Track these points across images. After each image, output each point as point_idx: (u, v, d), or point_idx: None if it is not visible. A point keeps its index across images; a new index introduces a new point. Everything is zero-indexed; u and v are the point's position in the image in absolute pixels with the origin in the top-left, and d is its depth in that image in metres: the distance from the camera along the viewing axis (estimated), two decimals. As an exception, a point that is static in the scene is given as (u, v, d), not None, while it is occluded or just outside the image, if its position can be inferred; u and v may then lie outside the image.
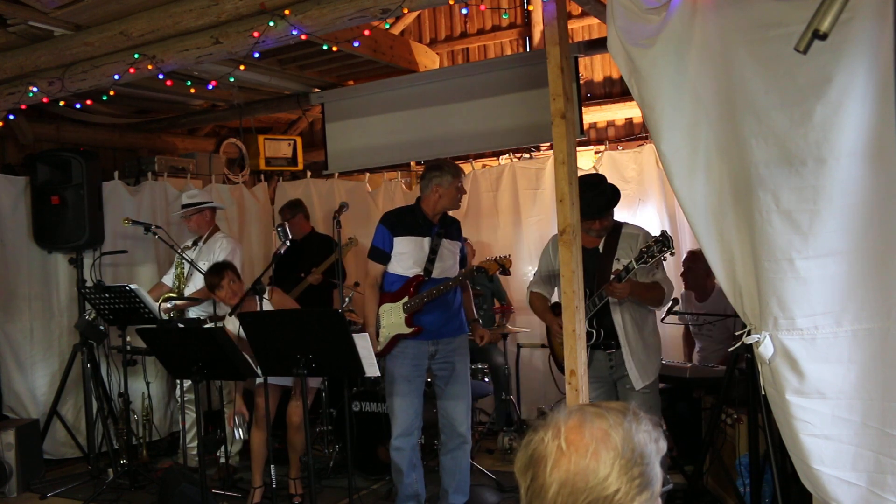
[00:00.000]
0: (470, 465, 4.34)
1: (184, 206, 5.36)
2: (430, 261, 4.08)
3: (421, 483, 4.18)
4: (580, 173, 3.62)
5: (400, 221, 4.12)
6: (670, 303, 4.05)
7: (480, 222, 6.42)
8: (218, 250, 5.31)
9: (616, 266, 3.72)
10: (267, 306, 4.44)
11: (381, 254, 4.15)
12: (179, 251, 5.35)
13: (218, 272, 4.58)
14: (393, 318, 4.07)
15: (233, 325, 4.32)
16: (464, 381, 4.13)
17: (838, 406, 2.52)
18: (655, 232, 3.75)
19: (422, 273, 4.06)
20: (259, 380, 4.44)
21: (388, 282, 4.16)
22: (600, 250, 3.83)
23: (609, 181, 3.92)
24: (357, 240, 5.63)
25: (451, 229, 4.19)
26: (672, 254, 3.47)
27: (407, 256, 4.10)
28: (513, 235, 6.26)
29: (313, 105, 6.17)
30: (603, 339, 3.79)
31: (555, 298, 3.98)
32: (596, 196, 3.75)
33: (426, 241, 4.08)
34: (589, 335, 3.75)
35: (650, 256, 3.49)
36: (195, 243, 5.41)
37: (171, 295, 5.22)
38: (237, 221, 6.68)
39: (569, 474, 1.19)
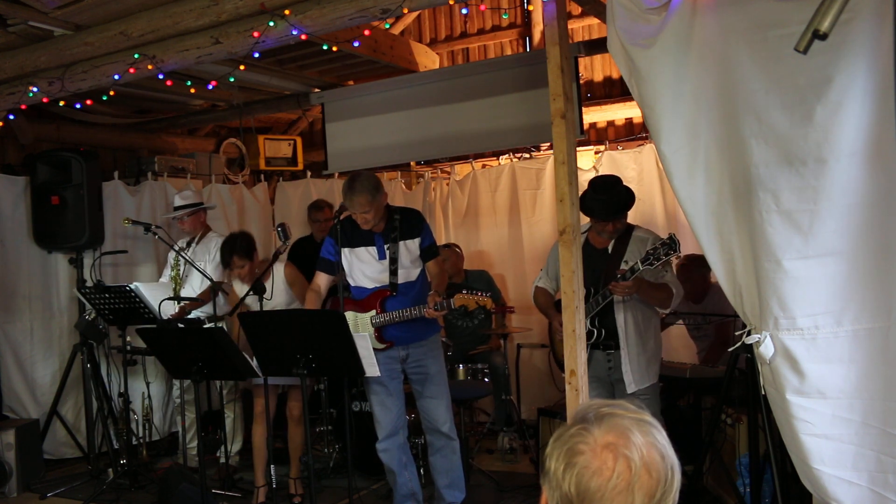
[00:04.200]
0: (465, 463, 4.32)
1: (177, 208, 5.36)
2: (393, 272, 3.98)
3: (415, 481, 4.17)
4: (582, 174, 3.63)
5: (344, 232, 4.03)
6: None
7: (480, 222, 6.42)
8: (214, 250, 5.31)
9: (623, 268, 3.72)
10: (280, 277, 4.64)
11: (325, 263, 4.11)
12: (178, 251, 5.35)
13: (228, 255, 4.61)
14: (359, 328, 4.01)
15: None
16: (439, 381, 4.07)
17: (839, 406, 2.52)
18: (663, 234, 3.76)
19: (388, 288, 4.00)
20: (258, 379, 4.44)
21: (354, 291, 4.12)
22: (609, 251, 3.83)
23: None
24: None
25: (405, 228, 4.00)
26: (678, 257, 3.45)
27: (354, 268, 4.05)
28: (512, 235, 6.26)
29: (313, 105, 6.17)
30: (603, 339, 3.79)
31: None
32: (611, 197, 3.78)
33: (372, 249, 4.01)
34: (589, 334, 3.76)
35: (656, 259, 3.47)
36: (188, 244, 5.41)
37: (169, 296, 5.21)
38: (237, 221, 6.68)
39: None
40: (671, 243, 3.46)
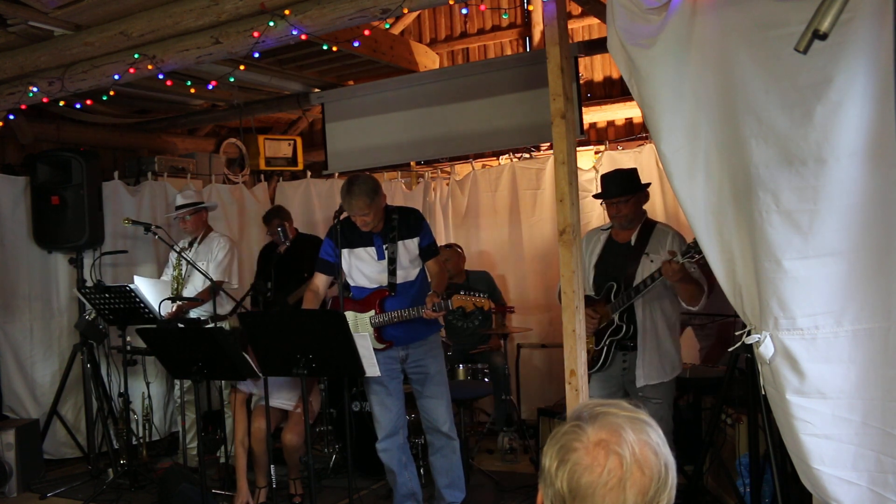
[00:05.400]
0: (465, 463, 4.32)
1: (179, 207, 5.36)
2: (392, 272, 3.98)
3: (415, 481, 4.17)
4: (582, 174, 3.64)
5: (343, 233, 4.02)
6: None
7: (480, 222, 6.42)
8: (216, 249, 5.31)
9: (646, 261, 3.73)
10: None
11: (324, 264, 4.10)
12: (179, 251, 5.35)
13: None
14: (359, 328, 4.00)
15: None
16: (439, 381, 4.07)
17: (839, 406, 2.52)
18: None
19: (386, 288, 4.00)
20: (259, 401, 4.43)
21: (353, 291, 4.13)
22: (632, 244, 3.83)
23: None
24: None
25: (404, 227, 4.00)
26: None
27: (353, 269, 4.05)
28: (512, 235, 6.26)
29: (313, 105, 6.17)
30: (630, 336, 3.76)
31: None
32: (616, 175, 3.91)
33: (371, 250, 4.01)
34: (617, 329, 3.76)
35: (697, 252, 3.34)
36: (191, 244, 5.41)
37: (170, 296, 5.22)
38: (237, 221, 6.68)
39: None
40: None
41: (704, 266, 3.40)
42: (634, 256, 3.78)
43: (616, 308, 3.75)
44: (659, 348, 3.76)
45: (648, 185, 3.97)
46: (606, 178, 3.97)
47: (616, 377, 3.85)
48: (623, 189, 3.84)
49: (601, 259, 3.91)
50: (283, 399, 4.62)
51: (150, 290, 5.09)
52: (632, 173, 3.96)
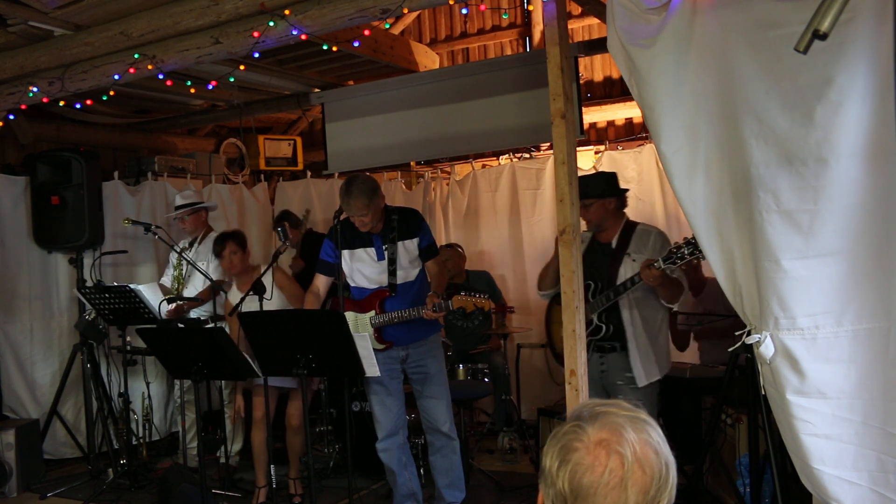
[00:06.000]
0: (465, 463, 4.32)
1: (178, 208, 5.36)
2: (392, 273, 3.98)
3: (415, 481, 4.17)
4: (580, 173, 3.63)
5: (343, 234, 4.02)
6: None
7: (480, 222, 6.42)
8: None
9: (628, 261, 3.72)
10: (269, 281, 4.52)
11: (324, 265, 4.11)
12: (180, 252, 5.35)
13: (221, 242, 4.74)
14: (359, 329, 4.01)
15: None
16: (439, 382, 4.07)
17: (839, 406, 2.52)
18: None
19: (387, 288, 4.00)
20: (258, 380, 4.44)
21: (354, 292, 4.13)
22: (613, 246, 3.83)
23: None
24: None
25: (403, 228, 4.01)
26: (702, 257, 3.34)
27: (353, 270, 4.06)
28: (512, 235, 6.26)
29: (313, 105, 6.17)
30: (610, 336, 3.74)
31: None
32: (584, 179, 3.82)
33: (370, 251, 4.02)
34: (597, 329, 3.75)
35: (679, 258, 3.36)
36: (191, 244, 5.41)
37: (170, 296, 5.22)
38: (237, 221, 6.68)
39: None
40: (697, 244, 3.37)
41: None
42: (616, 257, 3.77)
43: (595, 308, 3.73)
44: (653, 346, 3.74)
45: (625, 191, 3.92)
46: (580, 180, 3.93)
47: (595, 380, 3.81)
48: (584, 193, 3.72)
49: (584, 259, 3.90)
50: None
51: (148, 295, 5.09)
52: (604, 177, 3.90)
